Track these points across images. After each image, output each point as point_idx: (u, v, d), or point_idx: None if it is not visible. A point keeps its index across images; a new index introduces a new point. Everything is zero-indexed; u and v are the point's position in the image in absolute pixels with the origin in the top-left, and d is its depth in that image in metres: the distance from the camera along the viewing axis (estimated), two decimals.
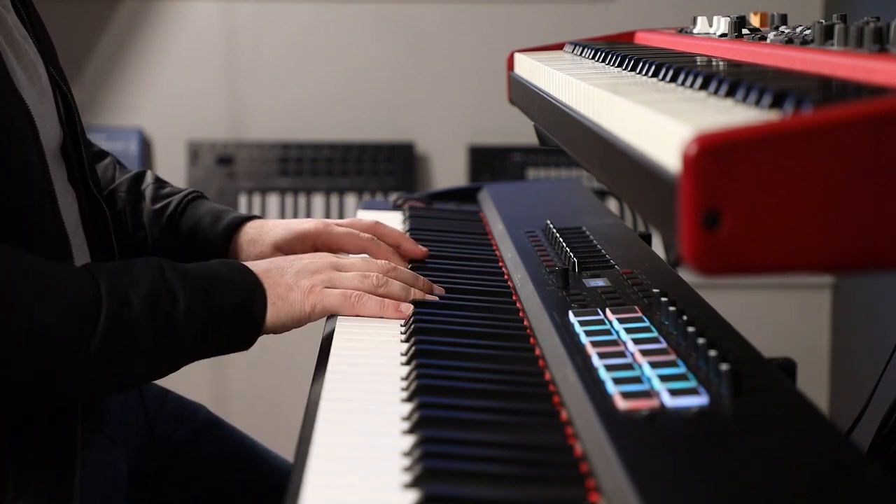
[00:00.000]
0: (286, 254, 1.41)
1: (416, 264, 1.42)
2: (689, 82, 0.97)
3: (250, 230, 1.45)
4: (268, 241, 1.43)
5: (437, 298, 1.27)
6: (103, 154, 1.55)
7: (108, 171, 1.52)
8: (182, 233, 1.46)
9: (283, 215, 3.06)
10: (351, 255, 1.42)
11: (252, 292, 1.19)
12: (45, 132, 1.21)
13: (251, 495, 1.51)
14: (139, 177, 1.52)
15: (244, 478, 1.51)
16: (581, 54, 1.47)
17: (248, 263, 1.23)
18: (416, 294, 1.26)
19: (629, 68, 1.18)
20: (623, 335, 1.06)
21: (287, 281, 1.21)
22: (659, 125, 0.78)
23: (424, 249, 1.44)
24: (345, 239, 1.42)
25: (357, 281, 1.24)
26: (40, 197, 1.18)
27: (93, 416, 1.32)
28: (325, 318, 1.27)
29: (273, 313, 1.19)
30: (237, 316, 1.17)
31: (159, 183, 1.52)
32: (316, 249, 1.43)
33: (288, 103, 3.09)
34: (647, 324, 1.08)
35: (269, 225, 1.46)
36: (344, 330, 1.21)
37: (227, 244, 1.45)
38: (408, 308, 1.23)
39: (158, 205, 1.48)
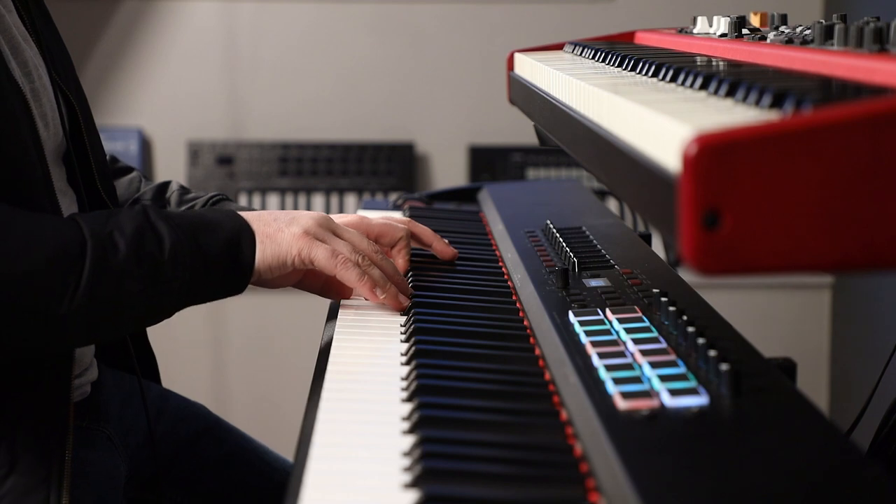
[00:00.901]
0: None
1: (417, 264, 1.42)
2: (689, 82, 0.97)
3: None
4: None
5: (408, 302, 1.26)
6: (129, 169, 1.56)
7: (132, 184, 1.54)
8: None
9: None
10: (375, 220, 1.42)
11: (238, 232, 1.19)
12: (43, 132, 1.21)
13: (251, 495, 1.51)
14: (164, 186, 1.54)
15: (244, 478, 1.51)
16: (581, 54, 1.47)
17: (240, 212, 1.23)
18: (391, 290, 1.25)
19: (629, 68, 1.18)
20: (623, 335, 1.06)
21: (278, 225, 1.22)
22: (659, 125, 0.78)
23: (455, 251, 1.44)
24: (381, 230, 1.42)
25: (346, 251, 1.23)
26: (40, 194, 1.18)
27: (93, 416, 1.32)
28: (325, 319, 1.28)
29: (260, 252, 1.19)
30: (225, 255, 1.17)
31: (184, 190, 1.54)
32: None
33: (288, 103, 3.09)
34: (647, 324, 1.08)
35: None
36: (344, 330, 1.21)
37: None
38: (382, 293, 1.23)
39: (183, 208, 1.49)
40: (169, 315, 1.17)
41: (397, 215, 1.75)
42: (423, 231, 1.45)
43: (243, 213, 1.22)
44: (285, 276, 1.24)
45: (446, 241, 1.45)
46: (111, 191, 1.38)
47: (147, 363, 1.48)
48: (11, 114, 1.15)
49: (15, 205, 1.14)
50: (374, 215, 1.77)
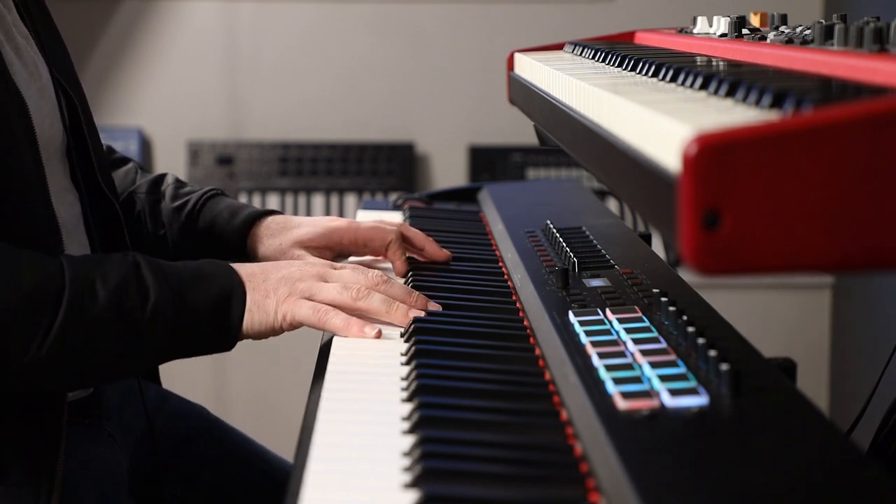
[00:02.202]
0: (313, 251, 1.40)
1: (417, 265, 1.42)
2: (689, 82, 0.97)
3: (273, 224, 1.44)
4: (291, 238, 1.42)
5: (422, 314, 1.21)
6: (125, 160, 1.55)
7: (129, 175, 1.52)
8: (200, 229, 1.46)
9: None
10: (351, 259, 1.42)
11: (230, 291, 1.16)
12: (44, 130, 1.21)
13: (251, 495, 1.51)
14: (160, 178, 1.52)
15: (244, 477, 1.51)
16: (581, 54, 1.47)
17: (237, 265, 1.20)
18: (400, 309, 1.21)
19: (629, 68, 1.18)
20: (623, 335, 1.06)
21: (267, 287, 1.19)
22: (659, 125, 0.78)
23: (448, 253, 1.43)
24: (370, 234, 1.41)
25: (335, 293, 1.20)
26: (32, 193, 1.17)
27: (94, 413, 1.32)
28: None
29: (248, 319, 1.17)
30: (211, 315, 1.15)
31: (179, 183, 1.52)
32: (343, 246, 1.42)
33: (288, 103, 3.09)
34: (647, 324, 1.08)
35: (294, 221, 1.44)
36: None
37: (244, 238, 1.44)
38: (372, 330, 1.18)
39: (177, 203, 1.47)
40: (148, 367, 1.16)
41: (397, 215, 1.75)
42: (415, 234, 1.43)
43: (240, 269, 1.19)
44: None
45: (438, 243, 1.44)
46: (111, 184, 1.38)
47: None
48: (5, 115, 1.14)
49: (5, 200, 1.12)
50: (374, 215, 1.77)
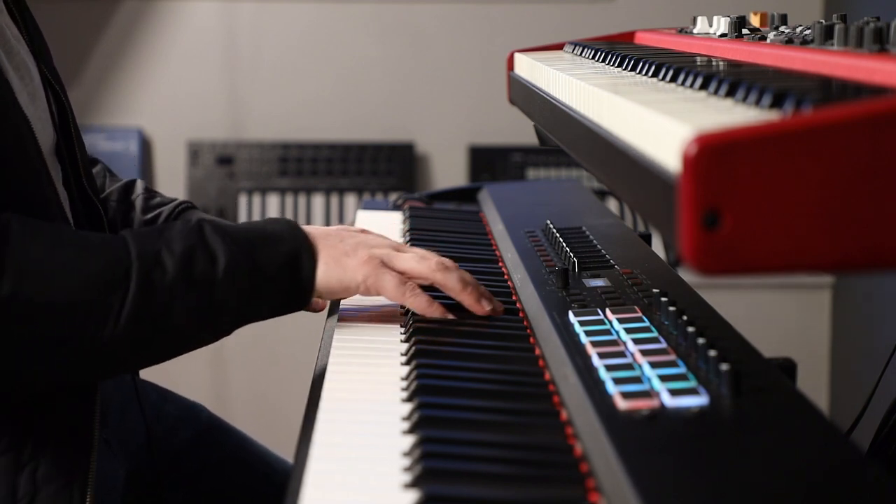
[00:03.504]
0: None
1: None
2: (689, 82, 0.97)
3: None
4: None
5: (490, 304, 1.21)
6: (94, 161, 1.54)
7: (97, 178, 1.51)
8: None
9: (283, 215, 3.06)
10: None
11: (299, 247, 1.16)
12: (39, 133, 1.21)
13: (251, 497, 1.51)
14: (129, 186, 1.51)
15: (244, 479, 1.51)
16: (581, 54, 1.47)
17: (307, 227, 1.20)
18: (473, 292, 1.21)
19: (629, 68, 1.18)
20: (623, 335, 1.06)
21: (345, 247, 1.19)
22: (659, 125, 0.78)
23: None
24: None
25: (415, 262, 1.21)
26: (45, 198, 1.17)
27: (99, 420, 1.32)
28: (324, 319, 1.27)
29: (324, 273, 1.17)
30: (285, 271, 1.15)
31: (149, 193, 1.51)
32: None
33: (288, 103, 3.09)
34: (647, 324, 1.08)
35: None
36: (344, 329, 1.21)
37: None
38: (468, 298, 1.19)
39: (149, 215, 1.47)
40: (227, 334, 1.15)
41: (397, 215, 1.75)
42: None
43: (308, 229, 1.19)
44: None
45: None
46: (93, 185, 1.38)
47: None
48: (9, 115, 1.14)
49: (21, 198, 1.13)
50: (374, 215, 1.77)
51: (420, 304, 1.20)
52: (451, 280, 1.21)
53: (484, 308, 1.21)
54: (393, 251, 1.22)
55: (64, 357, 1.08)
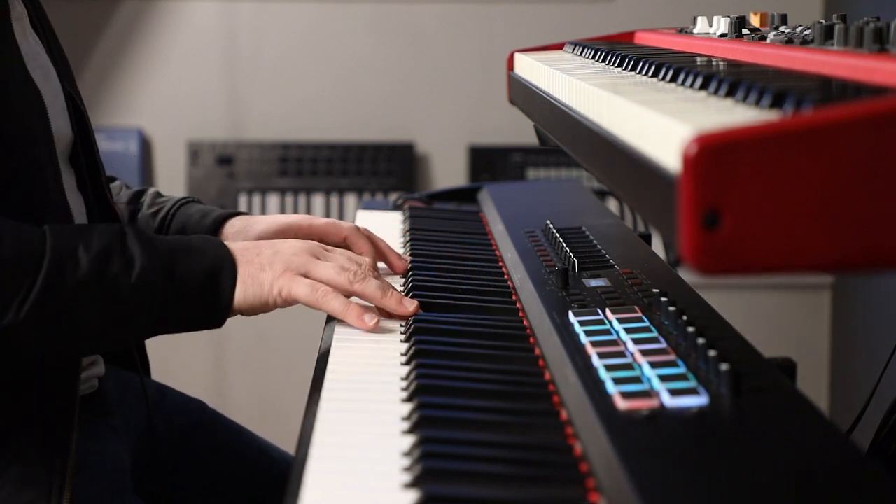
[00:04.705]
0: None
1: (417, 263, 1.42)
2: (689, 82, 0.97)
3: (237, 222, 1.45)
4: (252, 234, 1.43)
5: (415, 303, 1.21)
6: (111, 178, 1.56)
7: (113, 191, 1.53)
8: (172, 231, 1.47)
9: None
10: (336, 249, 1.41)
11: (221, 264, 1.15)
12: (58, 128, 1.22)
13: (251, 487, 1.51)
14: (141, 191, 1.54)
15: (244, 470, 1.52)
16: (581, 54, 1.47)
17: (229, 242, 1.20)
18: (395, 296, 1.21)
19: (629, 68, 1.18)
20: (623, 335, 1.06)
21: (261, 260, 1.18)
22: (659, 125, 0.78)
23: (405, 265, 1.41)
24: (326, 228, 1.41)
25: (333, 272, 1.20)
26: (50, 186, 1.18)
27: (97, 410, 1.32)
28: (325, 319, 1.27)
29: (241, 292, 1.16)
30: (201, 287, 1.14)
31: (158, 194, 1.54)
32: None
33: (288, 103, 3.09)
34: (646, 324, 1.08)
35: (254, 219, 1.46)
36: (344, 330, 1.21)
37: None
38: (372, 319, 1.18)
39: (153, 209, 1.49)
40: (136, 341, 1.14)
41: (397, 215, 1.76)
42: (377, 239, 1.41)
43: (231, 246, 1.18)
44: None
45: (397, 253, 1.42)
46: (109, 191, 1.39)
47: (141, 358, 1.48)
48: (30, 113, 1.15)
49: (24, 198, 1.13)
50: (374, 215, 1.77)
51: (335, 307, 1.18)
52: (370, 289, 1.20)
53: (408, 309, 1.21)
54: (312, 259, 1.20)
55: None
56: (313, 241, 1.27)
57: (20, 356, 1.13)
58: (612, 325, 1.09)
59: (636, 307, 1.14)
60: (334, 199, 3.08)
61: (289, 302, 1.19)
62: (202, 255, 1.15)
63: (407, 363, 1.10)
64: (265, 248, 1.20)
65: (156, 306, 1.12)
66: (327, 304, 1.18)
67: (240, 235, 1.44)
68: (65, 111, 1.27)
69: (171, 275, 1.12)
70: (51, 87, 1.26)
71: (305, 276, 1.19)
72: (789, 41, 1.07)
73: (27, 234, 1.09)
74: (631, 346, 1.03)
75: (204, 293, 1.14)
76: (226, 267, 1.16)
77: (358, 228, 1.41)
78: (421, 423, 0.95)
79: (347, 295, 1.20)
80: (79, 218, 1.27)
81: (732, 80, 0.87)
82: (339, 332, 1.20)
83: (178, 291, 1.12)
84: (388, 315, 1.22)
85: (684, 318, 1.05)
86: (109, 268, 1.09)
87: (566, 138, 1.14)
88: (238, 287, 1.16)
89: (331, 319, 1.26)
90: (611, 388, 0.94)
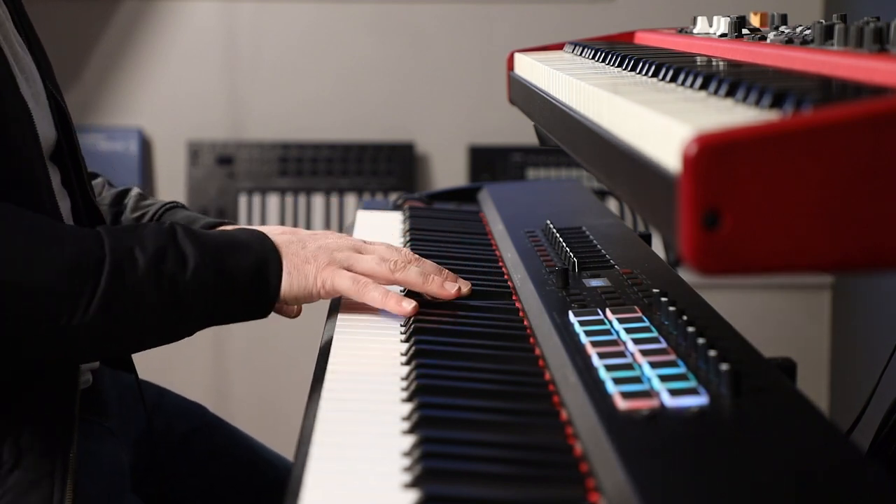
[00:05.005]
0: None
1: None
2: (689, 82, 0.97)
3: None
4: None
5: (456, 286, 1.25)
6: (94, 175, 1.56)
7: (96, 188, 1.53)
8: None
9: (283, 215, 3.07)
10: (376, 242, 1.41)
11: (266, 258, 1.19)
12: (42, 133, 1.23)
13: (249, 492, 1.51)
14: (124, 192, 1.54)
15: (243, 474, 1.52)
16: (581, 54, 1.47)
17: (269, 232, 1.23)
18: (435, 281, 1.24)
19: (629, 68, 1.18)
20: (623, 335, 1.06)
21: (306, 253, 1.22)
22: (659, 125, 0.78)
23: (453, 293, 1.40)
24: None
25: (374, 264, 1.24)
26: (41, 190, 1.19)
27: (95, 410, 1.32)
28: (324, 319, 1.28)
29: (287, 282, 1.20)
30: (250, 280, 1.18)
31: (141, 196, 1.54)
32: None
33: (288, 103, 3.09)
34: (647, 324, 1.08)
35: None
36: (344, 329, 1.21)
37: None
38: (410, 304, 1.22)
39: (137, 213, 1.50)
40: (189, 335, 1.17)
41: (397, 215, 1.75)
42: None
43: (273, 237, 1.22)
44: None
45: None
46: (92, 189, 1.40)
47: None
48: (16, 114, 1.16)
49: (20, 203, 1.14)
50: (374, 215, 1.77)
51: (375, 297, 1.23)
52: (411, 276, 1.24)
53: (449, 291, 1.25)
54: (354, 253, 1.25)
55: (30, 340, 1.10)
56: (355, 238, 1.30)
57: (85, 353, 1.18)
58: (612, 325, 1.09)
59: (636, 307, 1.14)
60: (334, 199, 3.08)
61: (331, 294, 1.23)
62: (248, 250, 1.19)
63: (407, 363, 1.10)
64: (309, 242, 1.24)
65: (209, 300, 1.16)
66: (367, 294, 1.23)
67: None
68: (48, 112, 1.28)
69: (221, 270, 1.16)
70: (35, 90, 1.26)
71: (348, 269, 1.23)
72: (789, 41, 1.07)
73: (86, 237, 1.13)
74: (631, 346, 1.03)
75: (252, 287, 1.18)
76: (271, 260, 1.20)
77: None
78: (421, 423, 0.95)
79: (389, 283, 1.25)
80: (65, 217, 1.28)
81: (732, 80, 0.87)
82: (339, 332, 1.20)
83: (229, 285, 1.16)
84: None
85: (684, 318, 1.05)
86: (166, 266, 1.13)
87: (566, 138, 1.14)
88: (284, 278, 1.20)
89: (330, 319, 1.26)
90: (611, 388, 0.94)
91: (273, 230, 1.25)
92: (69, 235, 1.12)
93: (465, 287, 1.27)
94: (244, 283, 1.17)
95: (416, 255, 1.28)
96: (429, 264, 1.27)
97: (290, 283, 1.20)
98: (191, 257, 1.14)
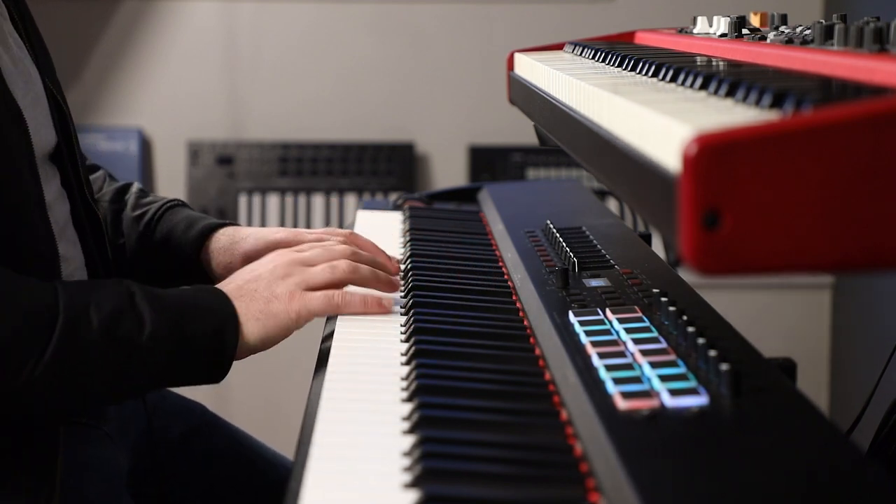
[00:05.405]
0: None
1: (417, 263, 1.42)
2: (689, 82, 0.97)
3: (222, 237, 1.44)
4: (239, 252, 1.42)
5: (398, 278, 1.32)
6: (95, 167, 1.55)
7: (96, 182, 1.52)
8: (157, 239, 1.46)
9: (283, 215, 3.07)
10: (310, 234, 1.41)
11: (225, 321, 1.16)
12: (39, 138, 1.22)
13: (249, 492, 1.51)
14: (124, 188, 1.52)
15: (243, 474, 1.51)
16: (581, 54, 1.47)
17: (221, 285, 1.21)
18: (383, 277, 1.29)
19: (629, 68, 1.18)
20: (623, 335, 1.06)
21: (263, 294, 1.19)
22: (659, 125, 0.78)
23: (397, 266, 1.40)
24: (319, 236, 1.41)
25: (329, 274, 1.24)
26: (29, 203, 1.18)
27: (90, 414, 1.32)
28: (325, 319, 1.27)
29: (259, 329, 1.18)
30: (207, 345, 1.15)
31: (142, 193, 1.52)
32: None
33: (288, 103, 3.09)
34: (647, 324, 1.08)
35: (241, 233, 1.44)
36: (344, 330, 1.21)
37: (198, 251, 1.44)
38: (389, 302, 1.23)
39: (138, 212, 1.48)
40: (139, 395, 1.16)
41: (397, 215, 1.75)
42: (365, 243, 1.40)
43: (229, 290, 1.19)
44: None
45: (387, 255, 1.41)
46: (90, 186, 1.39)
47: None
48: (4, 130, 1.15)
49: (3, 207, 1.13)
50: (374, 215, 1.77)
51: (356, 307, 1.24)
52: (365, 275, 1.27)
53: (393, 287, 1.30)
54: (300, 268, 1.23)
55: None
56: (282, 250, 1.28)
57: (30, 413, 1.14)
58: (612, 325, 1.09)
59: (636, 307, 1.14)
60: (334, 199, 3.08)
61: (309, 318, 1.22)
62: (209, 313, 1.16)
63: (407, 363, 1.10)
64: (257, 281, 1.21)
65: (162, 365, 1.13)
66: (347, 306, 1.23)
67: (226, 252, 1.43)
68: (48, 115, 1.27)
69: (179, 335, 1.13)
70: (34, 91, 1.25)
71: (307, 287, 1.22)
72: (789, 41, 1.07)
73: (40, 291, 1.10)
74: (631, 346, 1.03)
75: (209, 350, 1.16)
76: (229, 324, 1.17)
77: (352, 234, 1.41)
78: (421, 423, 0.95)
79: (347, 285, 1.26)
80: (62, 219, 1.27)
81: (732, 80, 0.87)
82: (338, 332, 1.20)
83: (186, 351, 1.14)
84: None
85: (684, 318, 1.05)
86: (121, 328, 1.10)
87: (566, 138, 1.14)
88: (254, 325, 1.17)
89: (330, 319, 1.26)
90: (611, 388, 0.94)
91: (228, 283, 1.22)
92: (23, 291, 1.09)
93: (395, 269, 1.34)
94: (202, 348, 1.15)
95: (351, 249, 1.29)
96: (365, 256, 1.31)
97: (262, 328, 1.18)
98: (147, 320, 1.11)
